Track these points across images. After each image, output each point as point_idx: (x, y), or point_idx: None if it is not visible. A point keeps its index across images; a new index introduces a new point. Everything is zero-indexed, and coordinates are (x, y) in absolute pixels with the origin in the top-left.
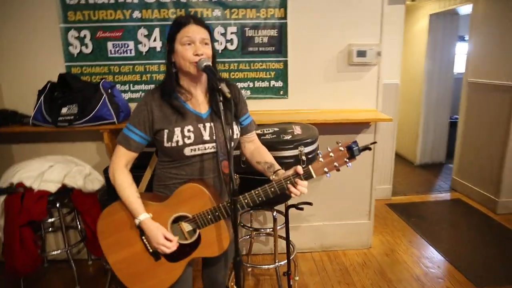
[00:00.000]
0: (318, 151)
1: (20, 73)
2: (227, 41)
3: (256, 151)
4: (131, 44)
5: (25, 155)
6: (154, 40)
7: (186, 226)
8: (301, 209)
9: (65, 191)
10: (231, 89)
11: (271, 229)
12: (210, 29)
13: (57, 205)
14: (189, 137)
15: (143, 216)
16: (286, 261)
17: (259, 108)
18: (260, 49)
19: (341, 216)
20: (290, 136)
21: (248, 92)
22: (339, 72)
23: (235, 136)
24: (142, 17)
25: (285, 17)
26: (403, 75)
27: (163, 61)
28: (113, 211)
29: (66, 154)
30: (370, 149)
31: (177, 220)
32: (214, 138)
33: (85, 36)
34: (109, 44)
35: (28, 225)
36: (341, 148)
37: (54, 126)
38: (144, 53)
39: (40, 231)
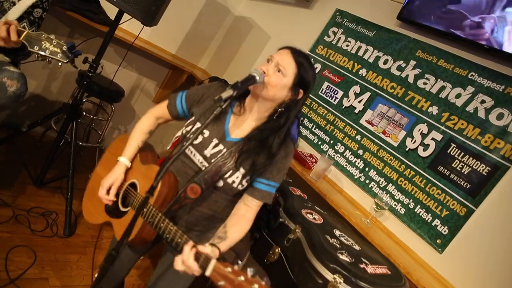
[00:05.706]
0: (238, 260)
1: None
2: (422, 144)
3: (237, 216)
4: (340, 93)
5: None
6: (359, 101)
7: (131, 197)
8: None
9: None
10: (282, 147)
11: None
12: (300, 71)
13: None
14: (196, 138)
15: (123, 160)
16: None
17: (396, 232)
18: (452, 176)
19: None
20: (351, 260)
21: (402, 210)
22: None
23: (229, 180)
24: (365, 76)
25: None
26: None
27: (351, 122)
28: (125, 139)
29: None
30: None
31: (133, 185)
32: (212, 161)
33: (316, 68)
34: (325, 84)
35: None
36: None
37: None
38: (343, 107)
39: None
